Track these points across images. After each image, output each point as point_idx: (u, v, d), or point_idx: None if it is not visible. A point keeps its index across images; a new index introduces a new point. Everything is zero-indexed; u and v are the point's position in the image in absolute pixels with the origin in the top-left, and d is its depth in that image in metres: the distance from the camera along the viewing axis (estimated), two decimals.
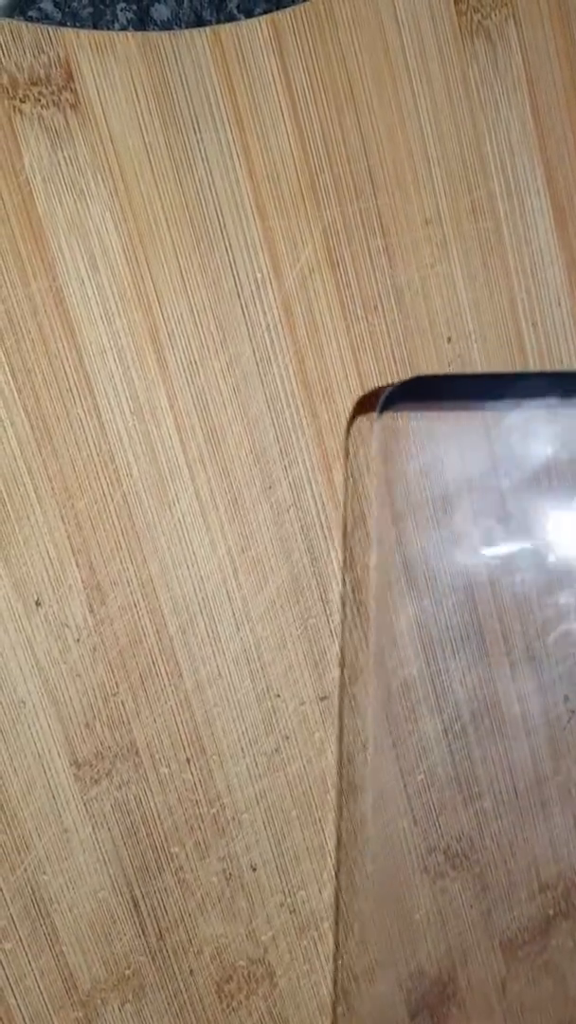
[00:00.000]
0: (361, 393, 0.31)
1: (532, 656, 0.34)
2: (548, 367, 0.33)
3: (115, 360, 0.29)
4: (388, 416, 0.26)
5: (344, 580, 0.32)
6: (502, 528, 0.26)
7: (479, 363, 0.32)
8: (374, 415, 0.28)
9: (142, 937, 0.31)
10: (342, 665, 0.32)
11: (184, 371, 0.30)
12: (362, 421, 0.29)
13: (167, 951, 0.31)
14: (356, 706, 0.32)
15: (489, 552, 0.28)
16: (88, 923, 0.30)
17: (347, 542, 0.30)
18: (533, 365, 0.33)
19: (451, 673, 0.33)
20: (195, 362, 0.30)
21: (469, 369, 0.32)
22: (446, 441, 0.27)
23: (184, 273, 0.29)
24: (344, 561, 0.31)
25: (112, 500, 0.29)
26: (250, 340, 0.30)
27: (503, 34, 0.32)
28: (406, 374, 0.32)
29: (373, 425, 0.28)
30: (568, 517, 0.27)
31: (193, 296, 0.29)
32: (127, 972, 0.31)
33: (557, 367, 0.33)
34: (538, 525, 0.27)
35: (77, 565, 0.29)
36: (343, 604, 0.32)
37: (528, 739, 0.34)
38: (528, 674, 0.34)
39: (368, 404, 0.30)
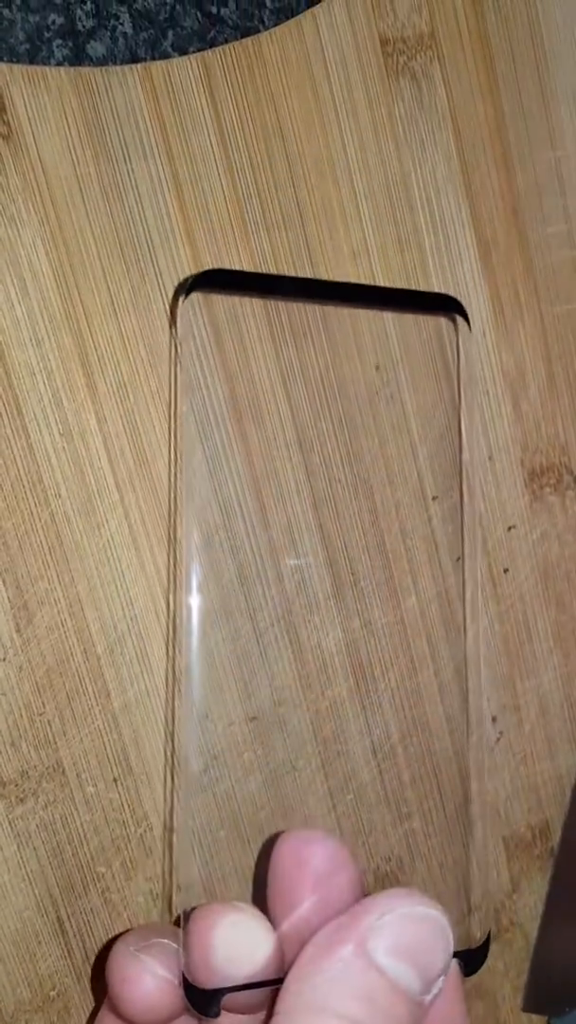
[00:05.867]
0: (292, 420, 0.32)
1: (457, 671, 0.35)
2: (475, 398, 0.34)
3: (44, 382, 0.29)
4: (192, 299, 0.29)
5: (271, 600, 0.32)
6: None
7: (407, 390, 0.33)
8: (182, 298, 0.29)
9: (68, 958, 0.31)
10: (271, 686, 0.32)
11: (114, 394, 0.30)
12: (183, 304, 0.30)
13: (93, 971, 0.31)
14: (284, 726, 0.33)
15: None
16: (12, 943, 0.30)
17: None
18: (460, 394, 0.34)
19: (380, 693, 0.34)
20: (124, 385, 0.30)
21: (396, 397, 0.33)
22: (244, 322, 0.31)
23: (115, 299, 0.30)
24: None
25: (40, 520, 0.30)
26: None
27: (428, 74, 0.33)
28: (335, 399, 0.33)
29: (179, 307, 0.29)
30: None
31: (123, 321, 0.30)
32: (52, 993, 0.31)
33: (481, 397, 0.34)
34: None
35: (3, 584, 0.29)
36: (271, 623, 0.32)
37: (456, 759, 0.35)
38: (456, 692, 0.35)
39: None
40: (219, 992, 0.24)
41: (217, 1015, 0.24)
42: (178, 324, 0.29)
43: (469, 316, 0.31)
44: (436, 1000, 0.22)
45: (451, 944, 0.22)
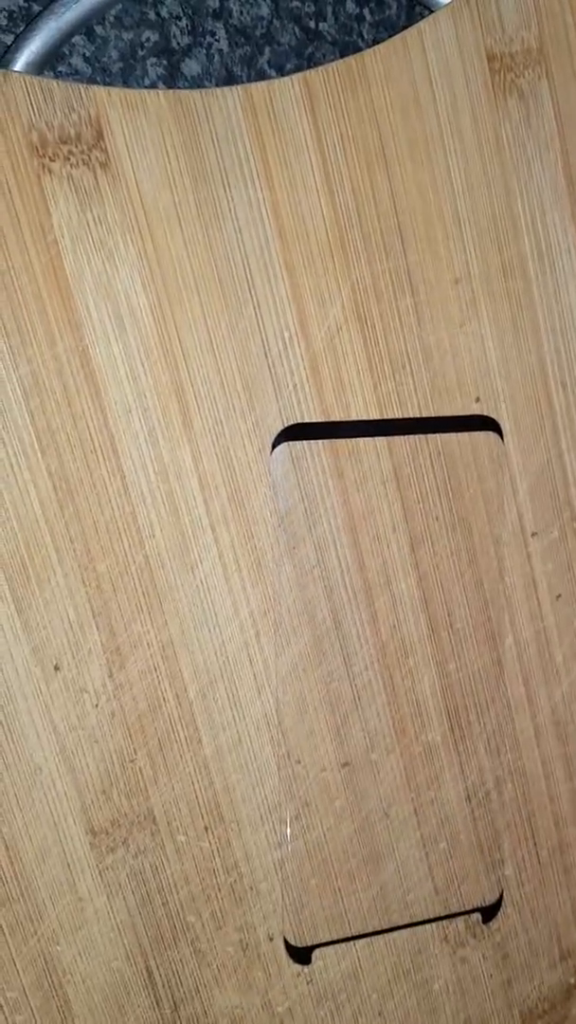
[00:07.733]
0: (389, 456, 0.31)
1: (556, 719, 0.33)
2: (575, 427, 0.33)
3: (140, 420, 0.28)
4: (279, 450, 0.30)
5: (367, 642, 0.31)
6: None
7: (507, 423, 0.32)
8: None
9: (156, 1009, 0.30)
10: (364, 731, 0.31)
11: (210, 431, 0.29)
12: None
13: (182, 1023, 0.30)
14: (377, 772, 0.31)
15: None
16: (102, 995, 0.29)
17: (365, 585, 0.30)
18: (561, 425, 0.33)
19: (475, 737, 0.32)
20: (221, 422, 0.29)
21: (499, 432, 0.32)
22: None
23: (212, 332, 0.29)
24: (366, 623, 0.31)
25: (134, 562, 0.29)
26: (277, 400, 0.30)
27: (536, 92, 0.31)
28: (433, 433, 0.31)
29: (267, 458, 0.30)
30: None
31: (220, 355, 0.29)
32: None
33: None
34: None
35: (97, 628, 0.28)
36: (365, 667, 0.31)
37: (551, 804, 0.34)
38: (554, 737, 0.33)
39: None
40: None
41: None
42: (271, 472, 0.30)
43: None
44: None
45: None
